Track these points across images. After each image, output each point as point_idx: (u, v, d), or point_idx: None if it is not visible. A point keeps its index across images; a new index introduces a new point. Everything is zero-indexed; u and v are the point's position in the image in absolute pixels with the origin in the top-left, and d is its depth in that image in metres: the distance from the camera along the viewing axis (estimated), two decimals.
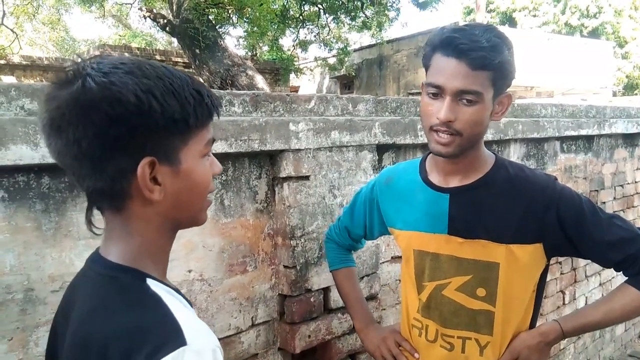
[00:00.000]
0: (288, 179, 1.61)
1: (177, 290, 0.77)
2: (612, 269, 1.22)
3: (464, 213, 1.17)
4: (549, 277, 2.89)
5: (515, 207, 1.14)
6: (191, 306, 0.79)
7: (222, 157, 1.51)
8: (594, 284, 3.36)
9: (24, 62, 11.14)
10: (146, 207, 0.70)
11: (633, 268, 1.15)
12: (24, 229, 1.18)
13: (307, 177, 1.65)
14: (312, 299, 1.68)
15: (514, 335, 1.22)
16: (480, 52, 1.01)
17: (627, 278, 1.19)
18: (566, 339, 3.11)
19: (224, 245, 1.54)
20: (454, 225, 1.18)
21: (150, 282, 0.70)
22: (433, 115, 1.07)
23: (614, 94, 17.73)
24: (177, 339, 0.62)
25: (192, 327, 0.65)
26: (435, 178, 1.22)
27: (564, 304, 3.08)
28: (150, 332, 0.62)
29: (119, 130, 0.64)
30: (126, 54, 10.59)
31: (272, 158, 1.63)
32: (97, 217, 0.73)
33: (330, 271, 1.51)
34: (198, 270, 1.49)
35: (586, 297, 3.30)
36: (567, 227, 1.13)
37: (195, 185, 0.73)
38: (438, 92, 1.07)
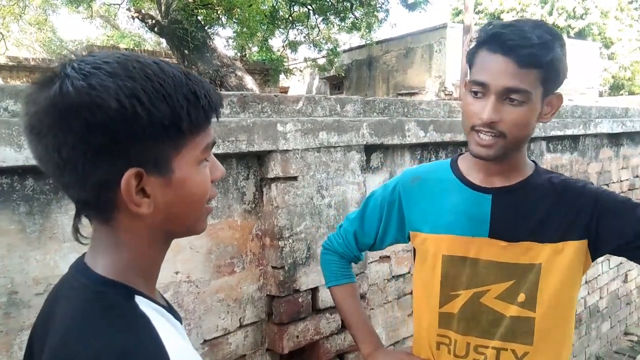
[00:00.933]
0: (276, 179, 1.61)
1: (167, 307, 0.73)
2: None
3: (507, 215, 1.10)
4: None
5: (560, 206, 1.09)
6: (181, 322, 0.75)
7: None
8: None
9: (10, 63, 11.01)
10: (135, 220, 0.64)
11: None
12: (7, 231, 1.16)
13: (295, 178, 1.65)
14: (300, 300, 1.69)
15: (557, 346, 1.14)
16: (530, 48, 0.95)
17: None
18: None
19: (211, 246, 1.54)
20: (497, 227, 1.10)
21: (139, 301, 0.64)
22: (475, 115, 1.01)
23: (600, 94, 17.93)
24: None
25: (178, 353, 0.60)
26: (474, 178, 1.14)
27: None
28: (136, 357, 0.58)
29: (100, 138, 0.58)
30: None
31: (260, 159, 1.63)
32: (84, 221, 0.70)
33: (329, 287, 1.36)
34: (185, 272, 1.48)
35: None
36: (614, 215, 1.06)
37: (191, 195, 0.66)
38: (482, 91, 1.00)
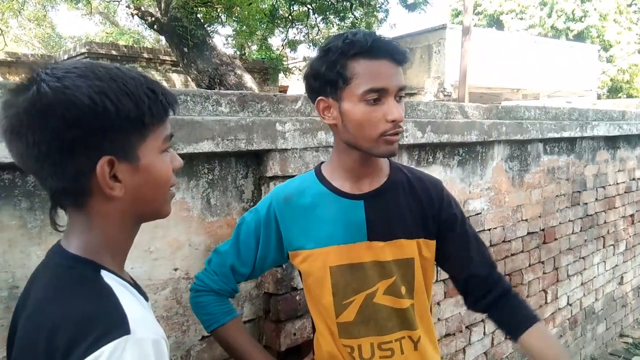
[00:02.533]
0: (274, 178, 1.63)
1: (134, 284, 0.82)
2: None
3: (379, 216, 1.18)
4: (531, 276, 2.95)
5: (418, 204, 1.21)
6: (147, 300, 0.83)
7: (209, 157, 1.52)
8: (576, 283, 3.43)
9: (9, 59, 10.99)
10: (107, 204, 0.73)
11: (497, 290, 1.25)
12: (9, 226, 1.18)
13: (293, 177, 1.66)
14: (297, 298, 1.70)
15: (430, 326, 1.28)
16: (402, 49, 1.08)
17: (498, 305, 1.26)
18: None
19: (210, 243, 1.55)
20: (373, 230, 1.17)
21: (104, 274, 0.73)
22: (381, 121, 1.06)
23: (599, 97, 17.99)
24: (121, 328, 0.64)
25: (137, 318, 0.67)
26: (344, 186, 1.19)
27: (546, 302, 3.13)
28: (97, 321, 0.65)
29: (75, 132, 0.66)
30: (113, 52, 10.51)
31: (258, 158, 1.65)
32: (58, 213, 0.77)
33: (213, 330, 1.26)
34: (184, 269, 1.50)
35: (568, 297, 3.36)
36: (454, 227, 1.25)
37: (156, 179, 0.76)
38: (379, 96, 1.06)
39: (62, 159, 0.68)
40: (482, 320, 2.62)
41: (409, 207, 1.20)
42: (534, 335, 1.18)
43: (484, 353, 2.67)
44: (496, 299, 1.24)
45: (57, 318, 0.66)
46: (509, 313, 1.24)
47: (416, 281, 1.22)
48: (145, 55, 11.05)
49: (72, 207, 0.75)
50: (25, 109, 0.66)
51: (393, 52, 1.06)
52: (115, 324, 0.65)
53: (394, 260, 1.19)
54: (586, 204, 3.42)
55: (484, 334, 2.65)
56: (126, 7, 8.58)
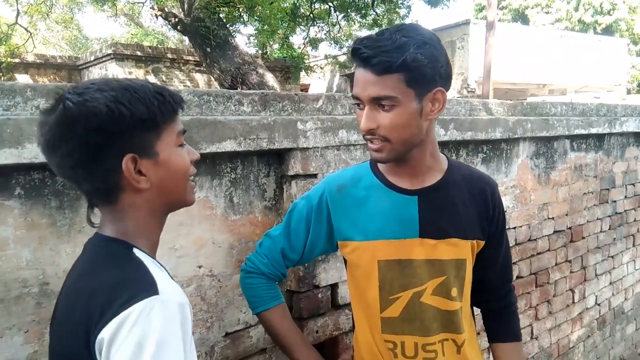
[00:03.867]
0: (296, 177, 1.64)
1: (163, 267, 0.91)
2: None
3: (433, 214, 1.16)
4: (558, 275, 2.89)
5: (475, 204, 1.20)
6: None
7: (232, 156, 1.54)
8: (604, 282, 3.35)
9: (38, 61, 11.29)
10: (136, 196, 0.84)
11: (503, 300, 1.34)
12: (39, 225, 1.21)
13: (314, 175, 1.67)
14: (319, 295, 1.71)
15: (474, 331, 1.30)
16: (381, 56, 0.99)
17: (496, 312, 1.35)
18: (575, 337, 3.11)
19: (233, 241, 1.57)
20: (425, 227, 1.16)
21: (136, 251, 0.83)
22: (360, 125, 1.08)
23: (628, 92, 17.51)
24: (150, 289, 0.74)
25: (165, 284, 0.77)
26: (398, 181, 1.18)
27: (573, 302, 3.07)
28: (129, 285, 0.75)
29: (99, 137, 0.77)
30: (138, 53, 10.69)
31: (280, 156, 1.66)
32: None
33: (259, 313, 1.30)
34: (208, 266, 1.52)
35: (596, 296, 3.29)
36: (498, 232, 1.25)
37: (176, 170, 0.87)
38: (359, 103, 1.07)
39: (91, 163, 0.79)
40: None
41: (464, 206, 1.18)
42: (508, 350, 1.32)
43: None
44: (500, 308, 1.34)
45: (93, 285, 0.77)
46: (503, 322, 1.32)
47: (466, 283, 1.21)
48: (169, 55, 11.22)
49: (106, 204, 0.85)
50: (55, 124, 0.77)
51: (366, 61, 1.01)
52: (145, 287, 0.74)
53: (449, 259, 1.17)
54: (615, 201, 3.34)
55: None
56: (150, 8, 8.72)
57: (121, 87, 0.80)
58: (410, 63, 0.99)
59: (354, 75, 1.08)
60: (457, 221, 1.17)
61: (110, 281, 0.76)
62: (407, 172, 1.17)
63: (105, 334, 0.71)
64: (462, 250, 1.18)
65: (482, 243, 1.22)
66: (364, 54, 1.02)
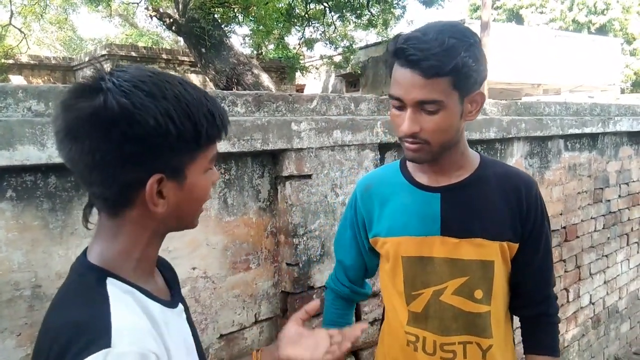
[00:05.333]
0: (290, 177, 1.63)
1: (168, 289, 0.83)
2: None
3: (456, 212, 1.14)
4: None
5: (507, 203, 1.14)
6: (175, 307, 0.82)
7: (225, 157, 1.54)
8: (598, 281, 3.36)
9: (32, 62, 11.23)
10: (145, 217, 0.74)
11: (539, 308, 1.23)
12: (31, 227, 1.20)
13: (309, 176, 1.67)
14: (314, 296, 1.70)
15: (509, 336, 1.25)
16: (432, 60, 0.96)
17: (531, 320, 1.25)
18: (570, 336, 3.12)
19: (227, 243, 1.57)
20: (447, 225, 1.14)
21: (110, 282, 0.72)
22: (399, 127, 1.05)
23: (622, 91, 17.61)
24: (101, 339, 0.63)
25: (123, 330, 0.66)
26: (422, 178, 1.18)
27: (567, 301, 3.08)
28: (84, 330, 0.65)
29: (134, 148, 0.67)
30: (133, 53, 10.65)
31: (274, 157, 1.66)
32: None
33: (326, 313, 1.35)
34: (202, 268, 1.51)
35: (590, 295, 3.30)
36: (535, 235, 1.17)
37: (197, 198, 0.78)
38: (400, 105, 1.04)
39: (114, 171, 0.69)
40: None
41: (494, 205, 1.14)
42: None
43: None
44: (534, 316, 1.24)
45: (57, 323, 0.69)
46: (537, 332, 1.23)
47: (495, 286, 1.16)
48: (164, 56, 11.18)
49: (108, 214, 0.75)
50: (88, 115, 0.66)
51: (414, 63, 0.97)
52: (98, 335, 0.64)
53: (470, 259, 1.14)
54: (609, 200, 3.35)
55: None
56: (145, 9, 8.70)
57: (174, 97, 0.69)
58: (461, 68, 0.98)
59: (394, 75, 1.03)
60: (484, 220, 1.13)
61: (69, 323, 0.67)
62: (434, 170, 1.16)
63: None
64: (489, 251, 1.14)
65: (516, 245, 1.16)
66: (412, 55, 0.97)
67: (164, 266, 0.91)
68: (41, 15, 12.02)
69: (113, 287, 0.72)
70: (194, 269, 1.50)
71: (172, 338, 0.74)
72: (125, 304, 0.71)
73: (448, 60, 0.96)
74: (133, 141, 0.67)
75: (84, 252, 0.78)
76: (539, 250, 1.19)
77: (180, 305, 0.85)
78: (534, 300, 1.23)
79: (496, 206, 1.14)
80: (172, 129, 0.68)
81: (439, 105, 1.00)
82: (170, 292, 0.85)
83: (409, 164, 1.22)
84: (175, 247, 1.44)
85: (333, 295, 1.35)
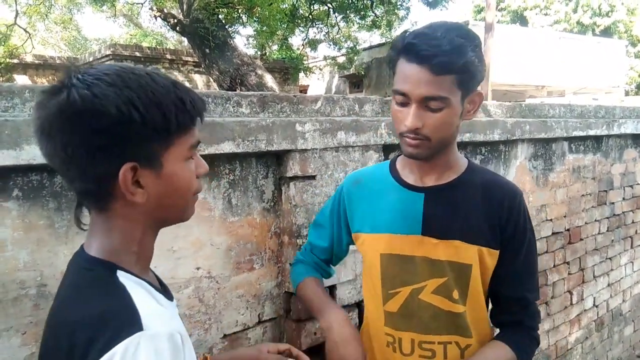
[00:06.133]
0: (294, 178, 1.64)
1: (161, 284, 0.85)
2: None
3: (439, 213, 1.15)
4: (556, 277, 2.89)
5: (488, 210, 1.15)
6: (171, 300, 0.85)
7: (230, 157, 1.54)
8: (602, 284, 3.35)
9: (37, 62, 11.27)
10: (130, 208, 0.74)
11: (515, 314, 1.20)
12: (37, 226, 1.21)
13: (313, 177, 1.67)
14: None
15: (487, 337, 1.24)
16: (442, 57, 0.98)
17: (508, 328, 1.22)
18: (574, 339, 3.11)
19: (231, 243, 1.57)
20: (428, 225, 1.15)
21: (120, 274, 0.74)
22: (402, 122, 1.06)
23: (627, 93, 17.55)
24: (133, 325, 0.66)
25: (150, 314, 0.69)
26: (409, 177, 1.20)
27: (571, 304, 3.07)
28: (111, 320, 0.67)
29: (101, 139, 0.68)
30: (137, 54, 10.68)
31: (278, 158, 1.66)
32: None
33: (296, 289, 1.37)
34: (206, 268, 1.52)
35: (594, 298, 3.29)
36: (515, 245, 1.17)
37: (178, 187, 0.77)
38: (405, 100, 1.05)
39: (87, 163, 0.70)
40: None
41: (475, 211, 1.15)
42: (492, 344, 1.19)
43: None
44: (511, 322, 1.21)
45: (75, 318, 0.69)
46: (512, 334, 1.20)
47: (471, 288, 1.17)
48: (168, 56, 11.21)
49: (96, 209, 0.77)
50: (55, 112, 0.68)
51: (424, 59, 0.99)
52: (128, 322, 0.66)
53: (448, 261, 1.15)
54: (613, 203, 3.34)
55: None
56: (149, 9, 8.72)
57: (138, 85, 0.70)
58: (469, 67, 1.01)
59: (401, 70, 1.04)
60: (463, 224, 1.14)
61: (91, 315, 0.68)
62: (422, 170, 1.18)
63: None
64: (467, 254, 1.14)
65: (496, 252, 1.16)
66: (424, 51, 0.98)
67: None
68: (46, 15, 12.07)
69: (124, 278, 0.74)
70: (198, 269, 1.50)
71: (182, 327, 0.77)
72: (141, 293, 0.73)
73: (457, 58, 0.99)
74: (99, 132, 0.68)
75: (82, 248, 0.79)
76: (519, 258, 1.18)
77: (174, 301, 0.88)
78: (511, 309, 1.21)
79: (477, 211, 1.15)
80: (136, 116, 0.68)
81: (444, 103, 1.02)
82: (162, 287, 0.87)
83: (398, 164, 1.24)
84: (180, 247, 1.45)
85: (300, 264, 1.41)
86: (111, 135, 0.69)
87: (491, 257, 1.16)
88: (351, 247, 1.41)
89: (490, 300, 1.25)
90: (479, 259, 1.15)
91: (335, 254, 1.40)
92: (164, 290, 0.85)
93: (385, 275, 1.21)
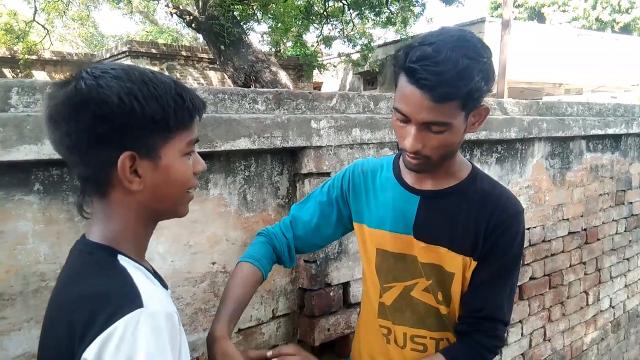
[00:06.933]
0: (309, 175, 1.64)
1: (154, 273, 0.87)
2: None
3: (430, 218, 1.14)
4: (572, 277, 2.87)
5: (478, 221, 1.11)
6: (166, 289, 0.89)
7: (245, 154, 1.55)
8: (619, 285, 3.31)
9: (55, 58, 11.44)
10: (127, 196, 0.79)
11: (467, 325, 1.15)
12: (57, 220, 1.23)
13: (328, 174, 1.67)
14: (331, 294, 1.71)
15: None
16: (445, 87, 0.92)
17: (458, 337, 1.17)
18: (589, 340, 3.08)
19: (246, 239, 1.58)
20: (419, 228, 1.15)
21: (120, 258, 0.78)
22: (402, 139, 1.04)
23: None
24: (134, 302, 0.69)
25: (150, 294, 0.73)
26: (408, 177, 1.19)
27: (587, 304, 3.04)
28: (112, 297, 0.70)
29: (103, 127, 0.73)
30: (153, 50, 10.77)
31: (293, 155, 1.67)
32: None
33: (239, 262, 1.24)
34: (221, 263, 1.53)
35: (610, 299, 3.25)
36: (492, 262, 1.12)
37: (174, 180, 0.81)
38: (405, 119, 1.01)
39: (88, 150, 0.74)
40: (520, 321, 2.57)
41: (466, 220, 1.12)
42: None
43: (522, 354, 2.61)
44: (460, 333, 1.17)
45: (75, 297, 0.73)
46: (456, 346, 1.17)
47: (453, 294, 1.16)
48: (184, 53, 11.29)
49: (97, 196, 0.81)
50: (63, 101, 0.73)
51: (424, 87, 0.93)
52: (128, 299, 0.70)
53: (432, 265, 1.15)
54: (631, 203, 3.29)
55: (522, 334, 2.60)
56: (165, 6, 8.79)
57: (140, 80, 0.75)
58: (474, 92, 0.96)
59: (402, 90, 0.99)
60: (452, 232, 1.12)
61: (92, 294, 0.71)
62: (423, 174, 1.16)
63: (89, 354, 0.66)
64: (450, 262, 1.13)
65: (475, 263, 1.12)
66: (425, 80, 0.93)
67: None
68: (64, 12, 12.22)
69: (125, 262, 0.78)
70: (213, 264, 1.52)
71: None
72: (141, 276, 0.77)
73: (461, 85, 0.93)
74: (102, 120, 0.72)
75: (83, 235, 0.83)
76: (489, 272, 1.12)
77: (169, 290, 0.91)
78: (468, 317, 1.15)
79: (468, 221, 1.11)
80: (136, 107, 0.73)
81: (446, 127, 0.99)
82: (157, 277, 0.90)
83: (401, 161, 1.21)
84: (196, 242, 1.46)
85: (264, 238, 1.28)
86: (112, 123, 0.73)
87: (472, 267, 1.14)
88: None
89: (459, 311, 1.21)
90: (462, 268, 1.13)
91: (322, 234, 1.31)
92: (159, 279, 0.89)
93: (380, 269, 1.22)
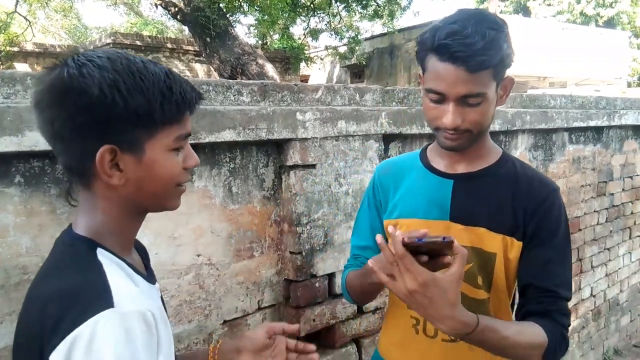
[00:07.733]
0: (295, 167, 1.64)
1: (144, 269, 0.86)
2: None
3: (466, 199, 1.16)
4: None
5: (515, 202, 1.13)
6: (153, 283, 0.85)
7: (231, 146, 1.55)
8: (600, 274, 3.37)
9: (37, 50, 11.23)
10: (110, 189, 0.76)
11: (542, 304, 1.12)
12: (39, 212, 1.22)
13: (313, 166, 1.68)
14: (317, 284, 1.72)
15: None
16: (479, 56, 0.97)
17: (535, 317, 1.11)
18: (571, 328, 3.14)
19: (231, 230, 1.58)
20: (456, 211, 1.16)
21: (99, 252, 0.75)
22: (438, 119, 1.06)
23: (629, 85, 17.49)
24: (104, 301, 0.67)
25: (122, 292, 0.69)
26: (439, 164, 1.21)
27: None
28: (81, 295, 0.68)
29: (84, 117, 0.70)
30: (138, 42, 10.64)
31: (279, 147, 1.67)
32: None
33: (345, 289, 1.29)
34: (206, 255, 1.53)
35: (591, 288, 3.31)
36: (543, 241, 1.12)
37: (159, 175, 0.77)
38: (440, 99, 1.04)
39: (70, 139, 0.72)
40: None
41: (502, 201, 1.14)
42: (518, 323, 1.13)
43: None
44: (533, 312, 1.12)
45: (48, 292, 0.71)
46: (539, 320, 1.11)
47: (495, 277, 1.16)
48: (169, 45, 11.16)
49: (81, 186, 0.78)
50: (48, 87, 0.72)
51: (458, 59, 0.98)
52: (97, 298, 0.67)
53: (473, 247, 1.14)
54: (612, 194, 3.35)
55: None
56: None
57: (127, 70, 0.71)
58: (505, 59, 1.01)
59: (434, 69, 1.02)
60: (490, 212, 1.14)
61: (63, 289, 0.69)
62: (453, 157, 1.18)
63: (56, 357, 0.64)
64: (492, 243, 1.14)
65: (519, 244, 1.13)
66: (459, 52, 0.97)
67: (138, 246, 0.94)
68: (46, 3, 12.01)
69: (103, 256, 0.75)
70: (198, 255, 1.52)
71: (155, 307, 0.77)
72: (117, 272, 0.74)
73: (493, 54, 0.98)
74: (82, 111, 0.70)
75: (70, 226, 0.81)
76: (546, 251, 1.13)
77: (157, 284, 0.89)
78: (539, 297, 1.13)
79: (505, 201, 1.14)
80: (118, 99, 0.70)
81: (482, 97, 1.02)
82: (146, 271, 0.88)
83: (429, 152, 1.25)
84: (180, 234, 1.46)
85: (346, 270, 1.32)
86: (92, 114, 0.70)
87: (515, 248, 1.14)
88: None
89: (517, 295, 1.21)
90: (503, 248, 1.14)
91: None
92: (148, 274, 0.87)
93: None
